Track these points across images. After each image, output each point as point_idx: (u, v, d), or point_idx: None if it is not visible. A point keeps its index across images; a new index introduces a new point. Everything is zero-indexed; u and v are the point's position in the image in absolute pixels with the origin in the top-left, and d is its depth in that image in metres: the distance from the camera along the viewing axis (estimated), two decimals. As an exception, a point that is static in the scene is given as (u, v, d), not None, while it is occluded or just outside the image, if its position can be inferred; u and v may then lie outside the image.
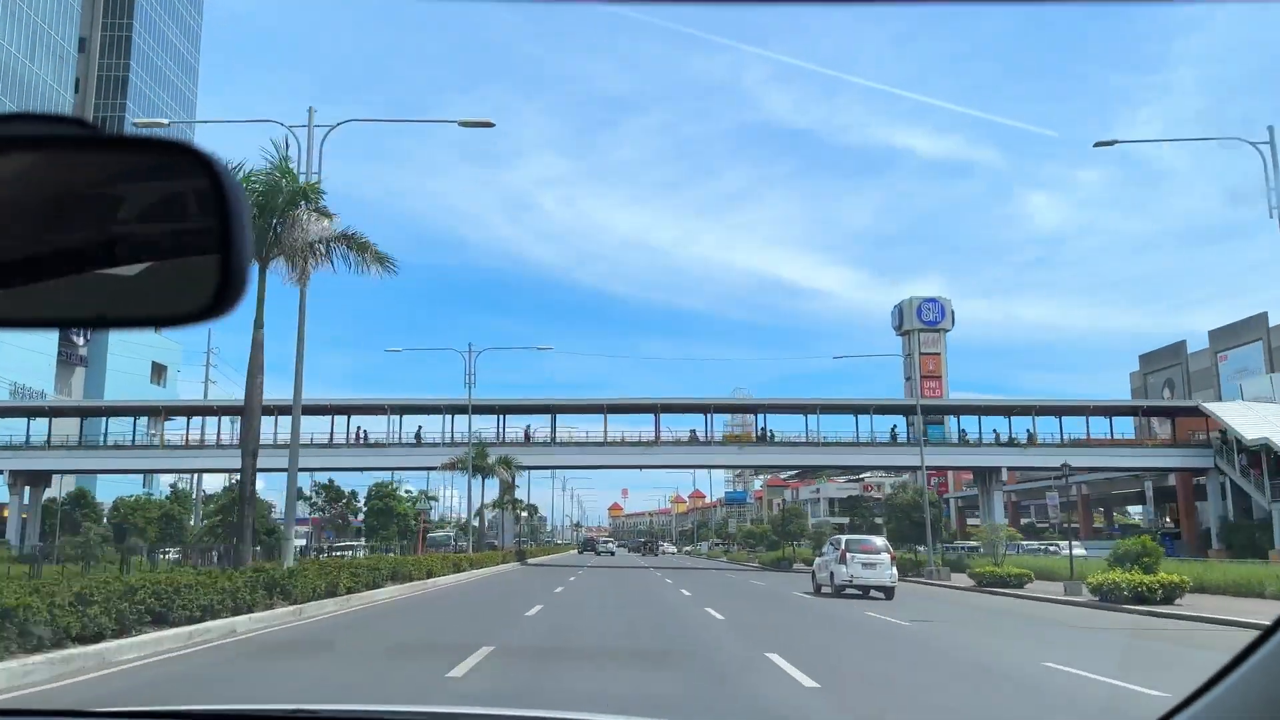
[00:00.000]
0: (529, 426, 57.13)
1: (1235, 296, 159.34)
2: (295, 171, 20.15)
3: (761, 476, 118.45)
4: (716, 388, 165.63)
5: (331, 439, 54.47)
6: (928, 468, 42.34)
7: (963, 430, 56.15)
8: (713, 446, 56.04)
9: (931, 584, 33.83)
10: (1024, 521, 76.68)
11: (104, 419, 57.45)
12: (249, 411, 19.68)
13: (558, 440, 55.78)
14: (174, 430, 58.56)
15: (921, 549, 38.13)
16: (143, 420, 57.47)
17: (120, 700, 8.02)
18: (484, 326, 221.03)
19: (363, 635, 14.48)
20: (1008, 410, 55.76)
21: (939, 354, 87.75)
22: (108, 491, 62.90)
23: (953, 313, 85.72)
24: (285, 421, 57.62)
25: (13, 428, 54.40)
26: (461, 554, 40.23)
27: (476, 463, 47.89)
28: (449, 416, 53.61)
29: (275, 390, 22.33)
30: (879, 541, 26.88)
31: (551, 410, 56.67)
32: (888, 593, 24.75)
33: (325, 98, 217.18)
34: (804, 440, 54.84)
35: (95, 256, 1.06)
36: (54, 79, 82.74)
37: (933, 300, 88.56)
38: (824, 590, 26.55)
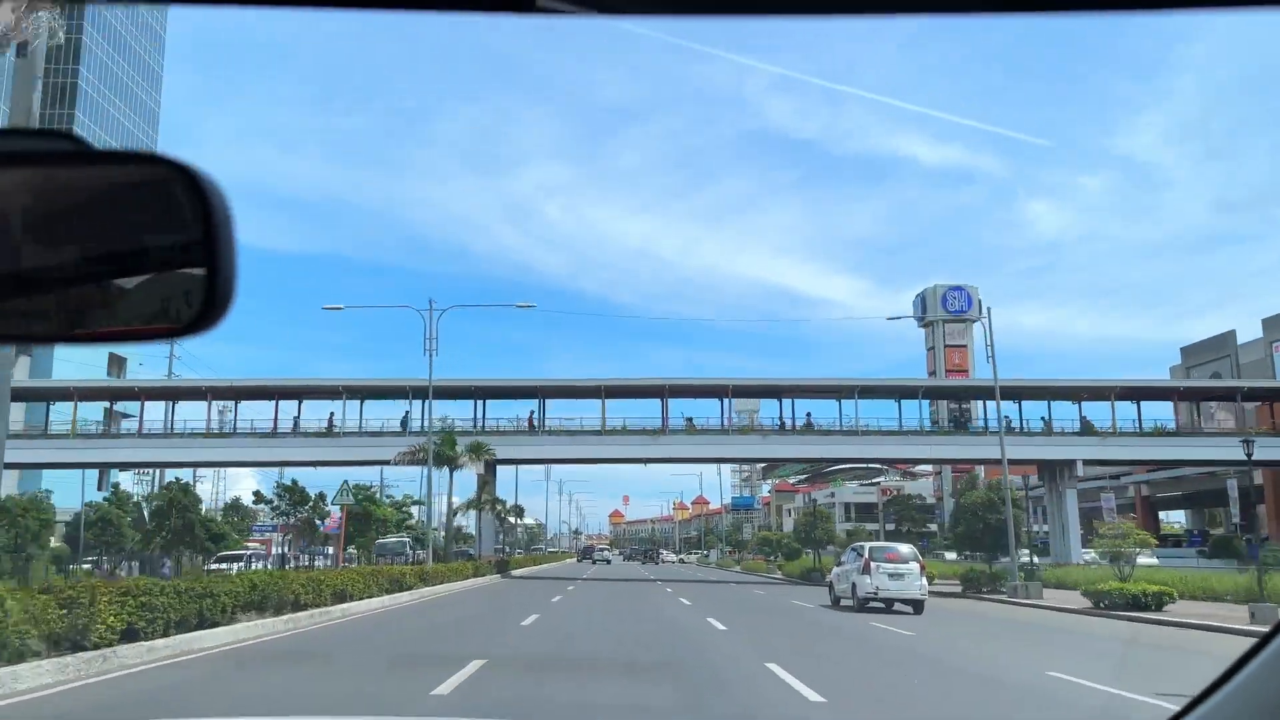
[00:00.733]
0: (531, 413, 46.96)
1: (1237, 301, 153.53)
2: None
3: (769, 481, 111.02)
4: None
5: (275, 428, 46.11)
6: (991, 461, 35.12)
7: (1042, 417, 46.78)
8: (730, 436, 47.17)
9: (1019, 603, 26.68)
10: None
11: None
12: None
13: (547, 429, 45.71)
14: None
15: (1005, 559, 30.78)
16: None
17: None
18: (488, 335, 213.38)
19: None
20: (1075, 394, 46.36)
21: (965, 346, 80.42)
22: (66, 495, 55.10)
23: (979, 301, 77.93)
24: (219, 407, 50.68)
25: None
26: (417, 566, 32.70)
27: (442, 451, 37.96)
28: (419, 403, 43.54)
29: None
30: (906, 549, 24.58)
31: (539, 393, 46.36)
32: (916, 606, 22.45)
33: (327, 107, 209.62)
34: (838, 429, 45.24)
35: (82, 272, 1.06)
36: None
37: (958, 289, 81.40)
38: (844, 603, 24.30)
